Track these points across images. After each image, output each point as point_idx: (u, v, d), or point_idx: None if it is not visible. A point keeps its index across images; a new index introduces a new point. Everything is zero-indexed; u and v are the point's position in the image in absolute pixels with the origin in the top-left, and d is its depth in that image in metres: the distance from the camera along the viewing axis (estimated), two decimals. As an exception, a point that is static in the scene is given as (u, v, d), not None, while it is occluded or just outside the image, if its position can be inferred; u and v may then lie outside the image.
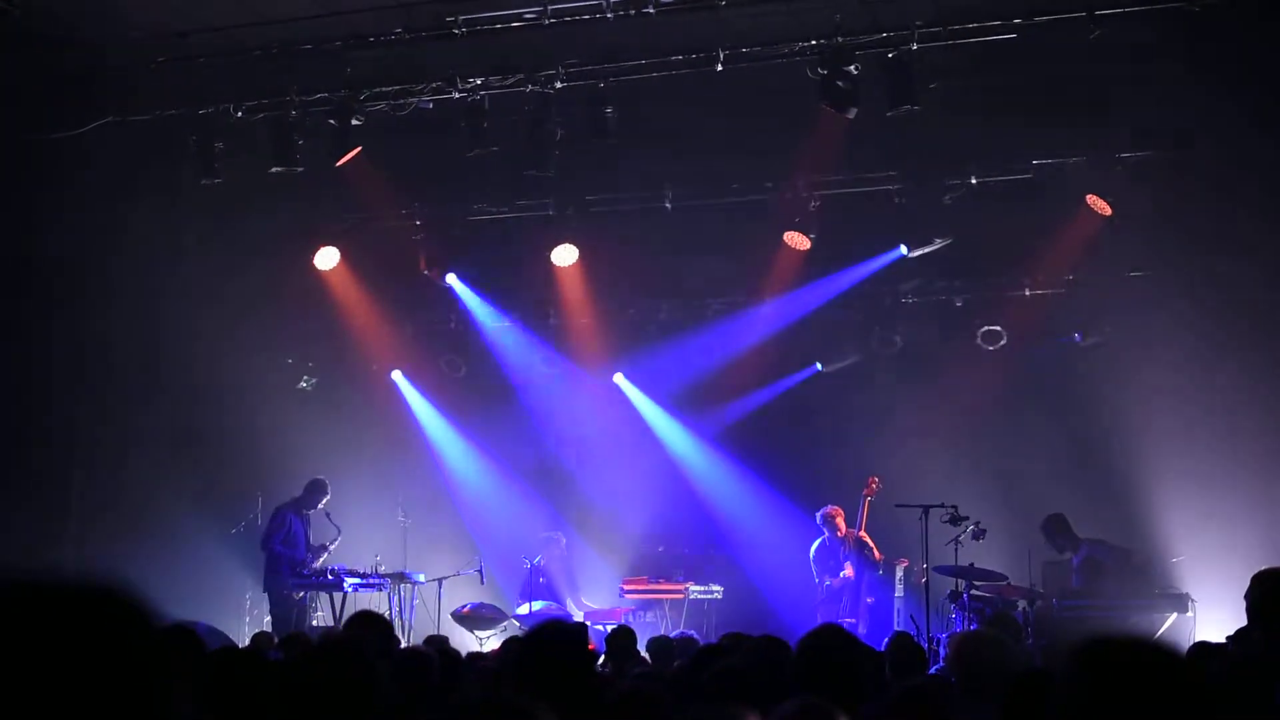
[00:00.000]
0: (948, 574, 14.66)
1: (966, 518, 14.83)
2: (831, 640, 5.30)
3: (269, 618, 16.61)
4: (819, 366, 18.88)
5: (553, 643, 5.37)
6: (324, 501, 16.80)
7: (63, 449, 17.37)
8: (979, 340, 17.88)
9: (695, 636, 11.91)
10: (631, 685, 7.83)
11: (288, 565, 16.32)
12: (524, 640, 5.52)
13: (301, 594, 16.38)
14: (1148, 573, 15.23)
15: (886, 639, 9.65)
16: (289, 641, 10.02)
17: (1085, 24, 13.61)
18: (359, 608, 11.48)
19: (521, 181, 16.82)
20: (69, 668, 1.95)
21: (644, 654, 11.06)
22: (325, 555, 16.55)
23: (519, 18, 14.69)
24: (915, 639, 10.34)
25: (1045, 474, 16.79)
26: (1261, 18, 13.77)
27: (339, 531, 16.66)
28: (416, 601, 17.03)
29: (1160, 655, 3.17)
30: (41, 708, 1.92)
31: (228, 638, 14.80)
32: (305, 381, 19.77)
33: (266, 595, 16.65)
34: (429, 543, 18.62)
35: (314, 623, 16.22)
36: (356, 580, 16.29)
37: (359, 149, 16.04)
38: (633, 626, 14.68)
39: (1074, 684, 3.11)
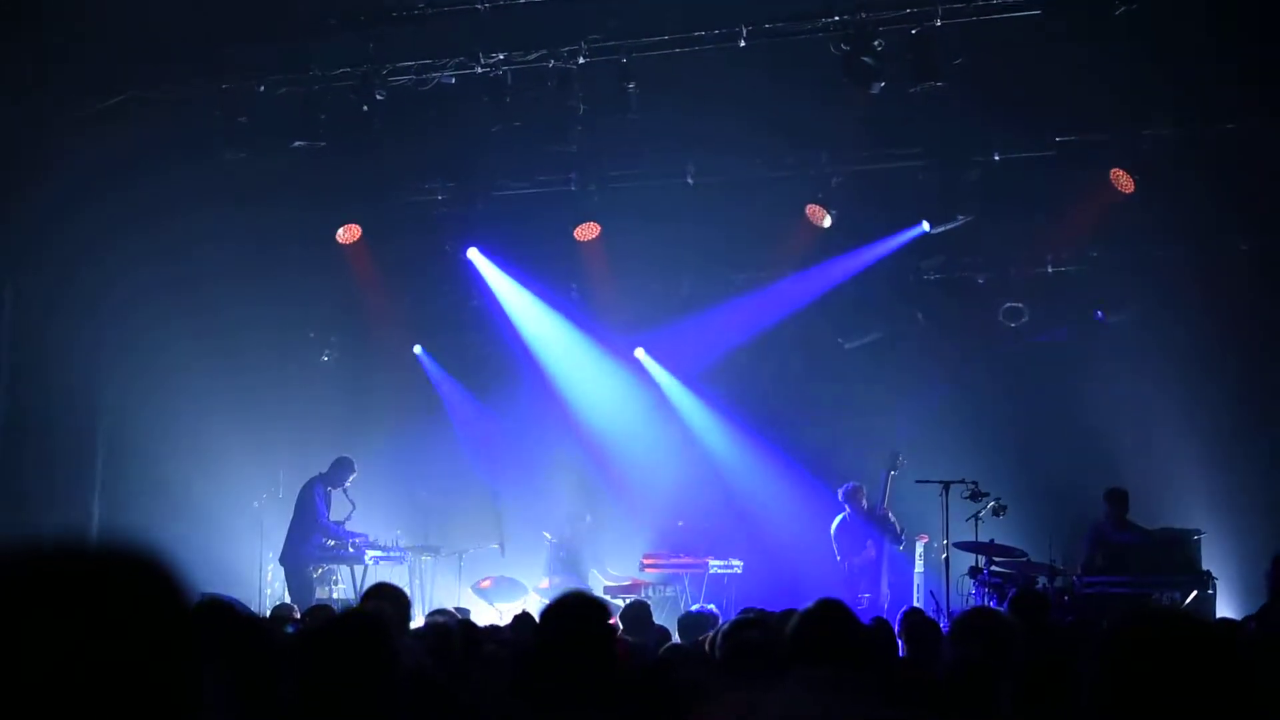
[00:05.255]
0: (968, 550, 14.67)
1: (987, 494, 14.83)
2: (829, 614, 5.31)
3: (287, 590, 16.68)
4: (841, 342, 18.86)
5: (572, 614, 5.38)
6: (350, 479, 16.84)
7: (86, 421, 17.47)
8: (1001, 317, 17.86)
9: (715, 612, 11.93)
10: (661, 657, 7.89)
11: (315, 540, 16.40)
12: (543, 612, 5.53)
13: (321, 569, 16.46)
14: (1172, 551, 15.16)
15: (900, 614, 9.69)
16: (312, 613, 10.07)
17: (1110, 0, 13.54)
18: (379, 580, 11.56)
19: (544, 157, 16.81)
20: (104, 634, 1.97)
21: (666, 628, 11.11)
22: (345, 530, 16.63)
23: (542, -9, 14.68)
24: (929, 615, 10.37)
25: (1065, 450, 16.81)
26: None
27: (354, 506, 16.73)
28: (437, 575, 17.09)
29: (1199, 630, 3.21)
30: (74, 673, 1.94)
31: (248, 609, 14.90)
32: (326, 355, 19.84)
33: (285, 566, 16.71)
34: (450, 516, 18.69)
35: (334, 595, 16.30)
36: (378, 553, 16.37)
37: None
38: (652, 600, 14.83)
39: (1117, 658, 3.15)
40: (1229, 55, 14.15)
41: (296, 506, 16.80)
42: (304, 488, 16.83)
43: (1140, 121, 15.90)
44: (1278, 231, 15.81)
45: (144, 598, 2.02)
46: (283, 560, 16.77)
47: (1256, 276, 16.26)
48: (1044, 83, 15.09)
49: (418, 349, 20.02)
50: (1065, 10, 13.95)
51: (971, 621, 6.92)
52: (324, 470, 16.93)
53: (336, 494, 16.89)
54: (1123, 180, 16.23)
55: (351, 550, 16.30)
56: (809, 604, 5.45)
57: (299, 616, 11.23)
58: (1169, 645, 3.12)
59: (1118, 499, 15.39)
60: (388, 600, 7.43)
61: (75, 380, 17.02)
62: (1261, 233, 16.14)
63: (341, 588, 16.53)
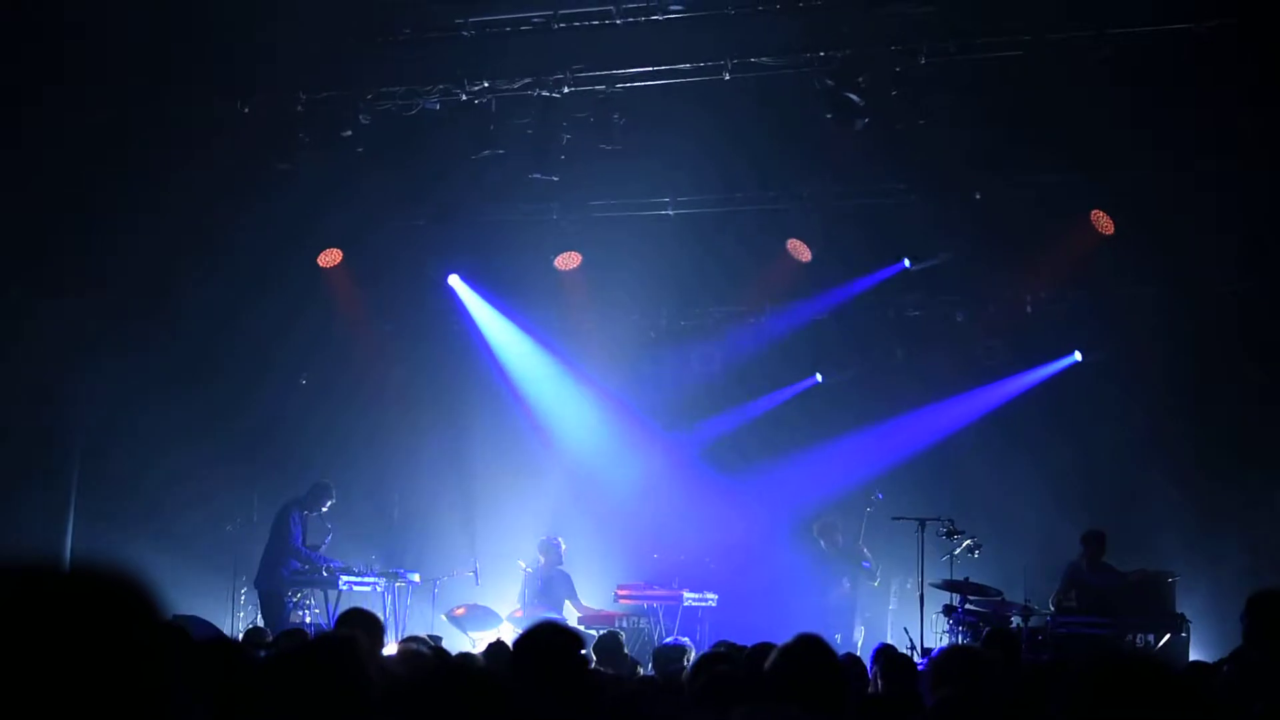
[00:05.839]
0: (944, 588, 14.67)
1: (962, 532, 14.85)
2: (808, 650, 5.31)
3: (261, 614, 16.59)
4: (819, 377, 18.88)
5: (545, 645, 5.37)
6: (327, 505, 16.76)
7: (63, 442, 17.37)
8: (979, 354, 17.90)
9: (689, 644, 11.91)
10: (633, 688, 7.86)
11: (289, 565, 16.32)
12: (517, 642, 5.52)
13: (294, 593, 16.37)
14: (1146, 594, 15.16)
15: (874, 650, 9.67)
16: (285, 638, 10.02)
17: (1093, 43, 13.63)
18: (352, 605, 11.49)
19: (527, 185, 16.82)
20: (77, 654, 1.96)
21: (639, 660, 11.08)
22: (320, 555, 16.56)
23: (527, 21, 14.73)
24: (901, 651, 10.36)
25: (1042, 490, 16.81)
26: (1266, 40, 13.75)
27: (331, 531, 16.66)
28: (411, 601, 17.02)
29: (1163, 673, 3.23)
30: (49, 694, 1.93)
31: (221, 633, 14.82)
32: (305, 378, 19.78)
33: (258, 590, 16.63)
34: (425, 543, 18.63)
35: (307, 619, 16.21)
36: (352, 578, 16.29)
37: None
38: (625, 631, 14.79)
39: (1083, 700, 3.18)
40: (1209, 98, 14.21)
41: (272, 530, 16.71)
42: (279, 512, 16.74)
43: (1121, 162, 15.97)
44: (1257, 273, 15.86)
45: (116, 619, 2.00)
46: (257, 584, 16.67)
47: (1235, 318, 16.32)
48: (1026, 122, 15.14)
49: (396, 373, 19.96)
50: (1047, 51, 14.01)
51: (951, 660, 6.91)
52: (300, 494, 16.86)
53: (314, 518, 16.81)
54: (1103, 221, 16.31)
55: (326, 575, 16.23)
56: (788, 639, 5.44)
57: (272, 641, 11.17)
58: (1135, 689, 3.15)
59: (1095, 540, 15.40)
60: (361, 626, 7.39)
61: (51, 400, 16.94)
62: (1241, 275, 16.21)
63: (316, 613, 16.45)
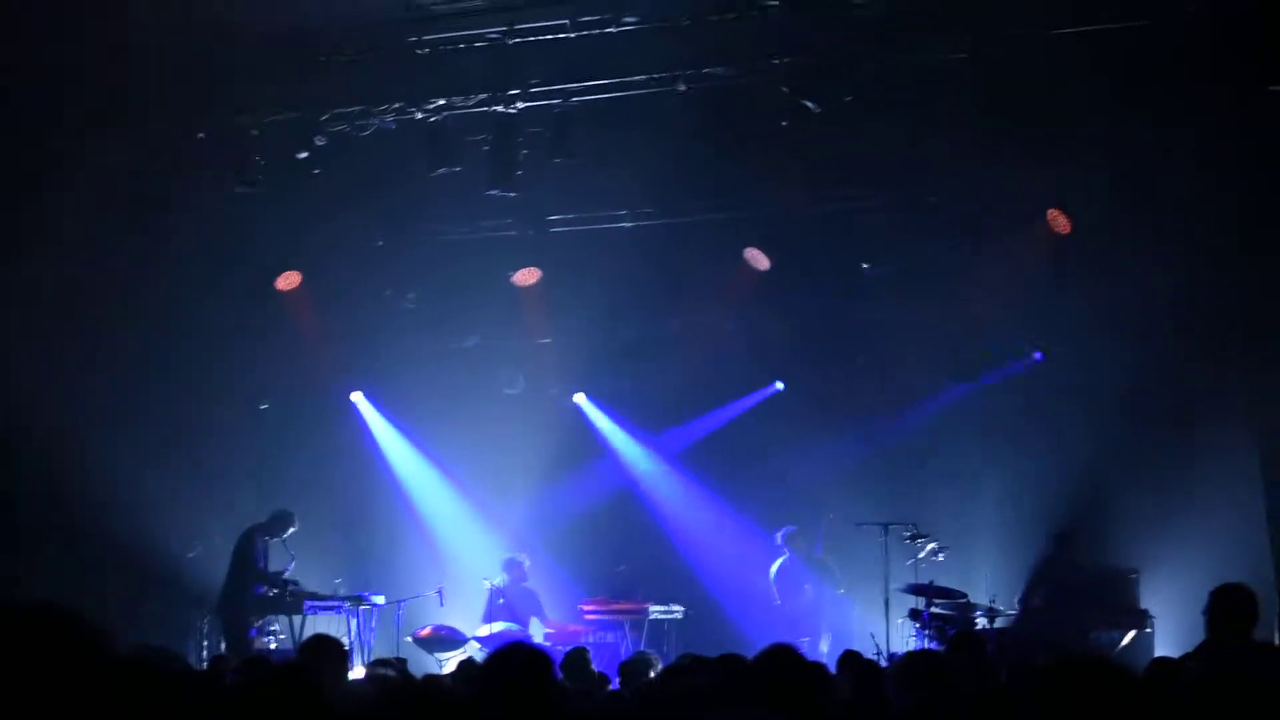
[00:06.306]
0: (909, 593, 14.70)
1: (926, 535, 14.89)
2: (782, 660, 5.33)
3: (225, 641, 16.49)
4: (780, 385, 18.89)
5: (516, 667, 5.36)
6: (289, 532, 16.67)
7: (15, 469, 17.20)
8: (941, 357, 17.92)
9: (654, 656, 11.89)
10: (598, 704, 7.85)
11: (251, 591, 16.23)
12: (487, 663, 5.51)
13: (257, 618, 16.28)
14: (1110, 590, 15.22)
15: (839, 657, 9.68)
16: (250, 665, 9.95)
17: (1041, 43, 13.67)
18: (317, 630, 11.44)
19: (484, 202, 16.79)
20: (23, 691, 1.95)
21: (606, 675, 11.06)
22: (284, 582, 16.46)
23: (482, 38, 14.71)
24: (867, 657, 10.38)
25: (1004, 492, 16.87)
26: (1220, 38, 13.80)
27: (294, 558, 16.56)
28: (376, 624, 16.96)
29: (1126, 677, 3.26)
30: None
31: (184, 661, 14.70)
32: (266, 403, 19.68)
33: (221, 617, 16.53)
34: (389, 565, 18.57)
35: (272, 645, 16.14)
36: (316, 603, 16.22)
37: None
38: (592, 646, 14.77)
39: (1046, 705, 3.21)
40: (1153, 98, 14.26)
41: (233, 556, 16.61)
42: (241, 537, 16.66)
43: (1075, 163, 16.06)
44: (1213, 272, 15.93)
45: (57, 656, 1.99)
46: (219, 610, 16.58)
47: (1192, 318, 16.40)
48: (979, 124, 15.19)
49: (356, 395, 19.89)
50: (995, 51, 14.05)
51: (916, 665, 6.94)
52: (262, 520, 16.78)
53: (276, 544, 16.73)
54: (1060, 221, 16.38)
55: (290, 600, 16.15)
56: (759, 649, 5.46)
57: (236, 667, 11.10)
58: (1099, 694, 3.18)
59: (1065, 538, 15.48)
60: (323, 653, 7.36)
61: (9, 422, 16.80)
62: (1197, 274, 16.30)
63: (281, 638, 16.37)
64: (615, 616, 16.71)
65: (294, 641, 15.75)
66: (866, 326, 18.37)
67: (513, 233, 18.22)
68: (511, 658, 5.39)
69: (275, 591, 16.23)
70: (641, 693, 8.12)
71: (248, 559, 16.41)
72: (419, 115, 15.67)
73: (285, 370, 19.49)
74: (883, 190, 16.95)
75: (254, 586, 16.26)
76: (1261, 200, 15.19)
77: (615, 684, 10.76)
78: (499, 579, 17.30)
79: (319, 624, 15.80)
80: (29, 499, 17.25)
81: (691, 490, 18.83)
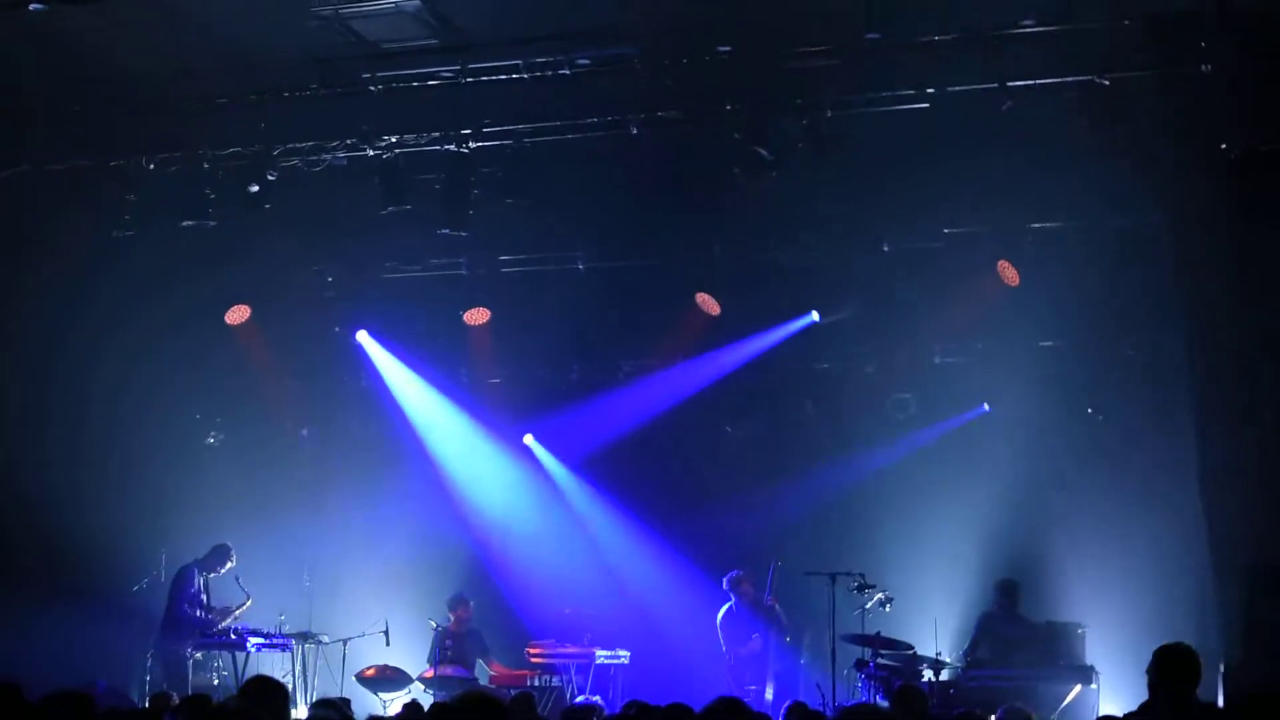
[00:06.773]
0: (855, 643, 14.66)
1: (874, 585, 14.85)
2: (728, 712, 5.30)
3: (164, 677, 16.29)
4: (729, 429, 18.87)
5: (473, 713, 5.33)
6: (226, 567, 16.55)
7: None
8: (888, 408, 17.96)
9: (600, 704, 11.83)
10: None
11: (189, 626, 16.07)
12: (443, 709, 5.47)
13: (196, 653, 16.11)
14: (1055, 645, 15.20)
15: (785, 708, 9.63)
16: (190, 704, 9.81)
17: (997, 95, 13.72)
18: (261, 668, 11.31)
19: (435, 240, 16.73)
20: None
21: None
22: (230, 619, 16.29)
23: (436, 76, 14.68)
24: (813, 708, 10.33)
25: (952, 543, 16.87)
26: (1168, 93, 13.88)
27: (248, 596, 16.41)
28: (320, 663, 16.80)
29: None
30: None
31: (128, 698, 14.57)
32: (213, 437, 19.54)
33: (157, 654, 16.35)
34: (334, 602, 18.41)
35: (215, 682, 15.98)
36: (260, 640, 16.07)
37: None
38: (537, 691, 14.67)
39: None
40: (1110, 151, 14.32)
41: (170, 591, 16.50)
42: (177, 573, 16.56)
43: (1027, 215, 16.17)
44: (1159, 327, 16.01)
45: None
46: (156, 646, 16.40)
47: (1139, 371, 16.50)
48: (933, 175, 15.27)
49: (305, 432, 19.77)
50: (952, 105, 14.10)
51: (857, 717, 6.91)
52: (200, 556, 16.64)
53: (221, 580, 16.58)
54: (1009, 273, 16.46)
55: (234, 637, 15.98)
56: (706, 696, 5.44)
57: (177, 705, 10.96)
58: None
59: (1009, 590, 15.48)
60: (264, 695, 7.24)
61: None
62: (1146, 328, 16.39)
63: (225, 674, 16.21)
64: (562, 661, 16.60)
65: (237, 678, 15.60)
66: (816, 374, 18.41)
67: (464, 272, 18.18)
68: (467, 708, 5.36)
69: (211, 616, 16.11)
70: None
71: (181, 592, 16.29)
72: (371, 152, 15.60)
73: (234, 404, 19.38)
74: (834, 238, 17.00)
75: (190, 619, 16.11)
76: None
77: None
78: (445, 619, 17.17)
79: (264, 660, 15.65)
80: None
81: (638, 534, 18.76)
